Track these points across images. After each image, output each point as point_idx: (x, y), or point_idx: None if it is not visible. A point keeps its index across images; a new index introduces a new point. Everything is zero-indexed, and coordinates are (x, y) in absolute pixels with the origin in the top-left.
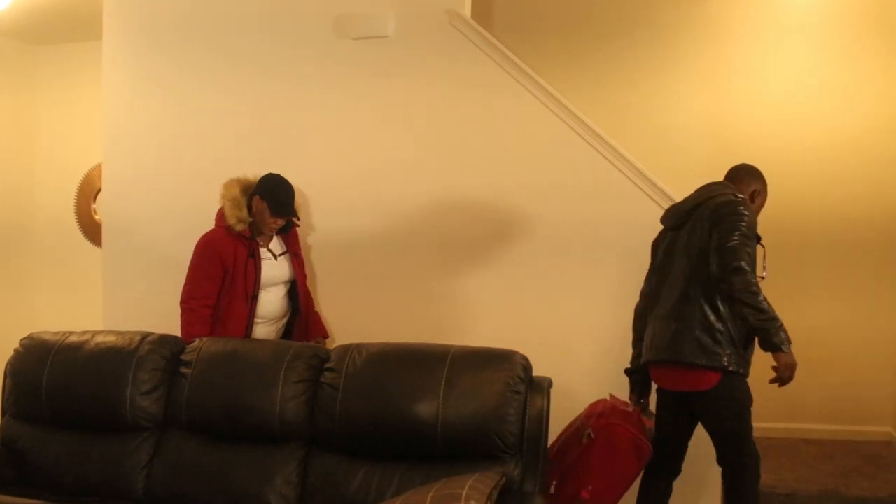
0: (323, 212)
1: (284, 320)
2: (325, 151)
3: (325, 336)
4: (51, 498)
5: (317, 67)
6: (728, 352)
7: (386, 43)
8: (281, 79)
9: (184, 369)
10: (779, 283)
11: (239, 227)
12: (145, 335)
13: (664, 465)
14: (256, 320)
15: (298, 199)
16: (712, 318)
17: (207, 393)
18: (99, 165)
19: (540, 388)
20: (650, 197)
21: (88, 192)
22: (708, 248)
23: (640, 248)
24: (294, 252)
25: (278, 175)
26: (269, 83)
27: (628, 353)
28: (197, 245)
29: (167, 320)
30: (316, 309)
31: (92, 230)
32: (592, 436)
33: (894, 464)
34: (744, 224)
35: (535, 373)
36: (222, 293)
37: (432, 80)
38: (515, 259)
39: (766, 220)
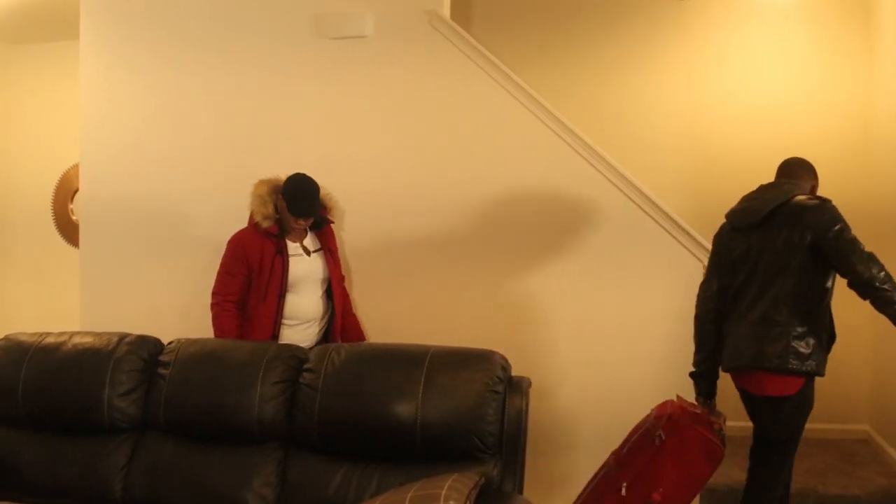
0: None
1: (322, 322)
2: (302, 148)
3: (363, 339)
4: (27, 500)
5: (295, 66)
6: (817, 358)
7: (364, 43)
8: (260, 76)
9: (162, 370)
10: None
11: (265, 224)
12: (123, 336)
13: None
14: (287, 321)
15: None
16: (805, 324)
17: (186, 394)
18: (76, 166)
19: (519, 387)
20: (623, 192)
21: (66, 192)
22: (801, 253)
23: (611, 241)
24: (329, 249)
25: (302, 175)
26: (247, 79)
27: (603, 347)
28: (228, 242)
29: (145, 321)
30: (353, 311)
31: (69, 230)
32: (663, 437)
33: (871, 461)
34: (842, 219)
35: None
36: (250, 292)
37: (411, 80)
38: (494, 255)
39: None
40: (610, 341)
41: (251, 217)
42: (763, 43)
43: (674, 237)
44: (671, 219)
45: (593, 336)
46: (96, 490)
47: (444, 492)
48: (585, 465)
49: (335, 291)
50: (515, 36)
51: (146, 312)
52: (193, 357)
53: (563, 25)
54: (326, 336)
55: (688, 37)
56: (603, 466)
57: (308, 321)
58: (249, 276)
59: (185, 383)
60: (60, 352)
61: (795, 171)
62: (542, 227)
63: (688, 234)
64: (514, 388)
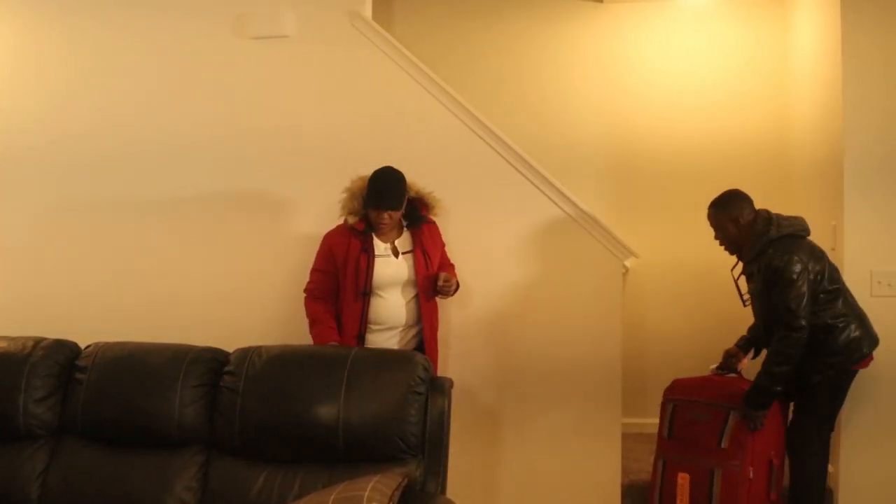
0: (216, 202)
1: (413, 331)
2: (221, 145)
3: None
4: None
5: (214, 64)
6: None
7: (286, 43)
8: (178, 68)
9: (79, 375)
10: None
11: (351, 221)
12: (38, 340)
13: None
14: (372, 325)
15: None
16: None
17: (104, 399)
18: None
19: (441, 388)
20: (541, 191)
21: None
22: None
23: (532, 241)
24: (424, 250)
25: (386, 166)
26: (170, 69)
27: (525, 346)
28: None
29: (60, 324)
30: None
31: None
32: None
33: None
34: None
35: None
36: (340, 290)
37: (333, 80)
38: None
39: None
40: (532, 340)
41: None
42: (682, 38)
43: (596, 238)
44: (593, 219)
45: (515, 336)
46: (13, 498)
47: (366, 493)
48: (507, 463)
49: (421, 299)
50: (437, 36)
51: (61, 315)
52: (112, 361)
53: (485, 26)
54: (419, 345)
55: (606, 33)
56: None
57: (392, 328)
58: (337, 275)
59: (104, 388)
60: None
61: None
62: (461, 225)
63: (610, 234)
64: (436, 388)
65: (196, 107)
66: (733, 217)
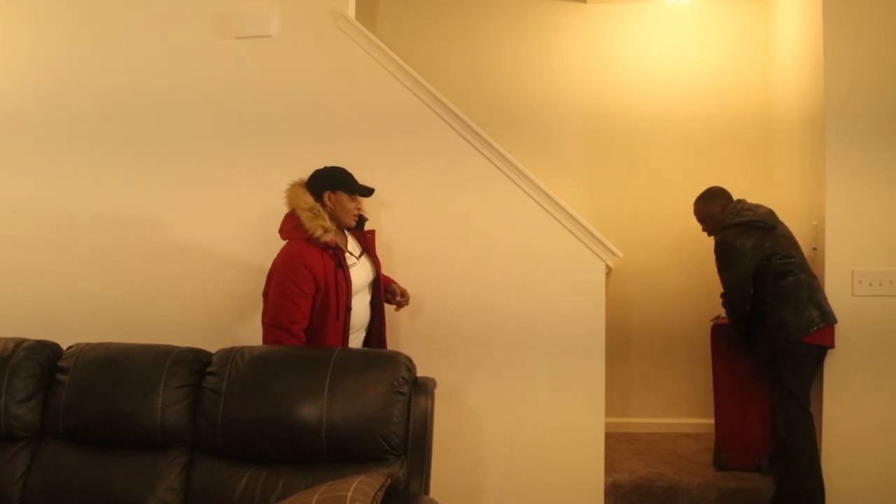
0: (196, 201)
1: (368, 328)
2: (202, 145)
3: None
4: None
5: (196, 63)
6: None
7: (269, 42)
8: (160, 68)
9: (61, 376)
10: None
11: (326, 238)
12: (20, 341)
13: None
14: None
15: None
16: None
17: (86, 400)
18: None
19: (424, 388)
20: (518, 186)
21: None
22: None
23: (516, 241)
24: (371, 250)
25: (329, 166)
26: (147, 69)
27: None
28: (279, 262)
29: (41, 325)
30: None
31: None
32: None
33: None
34: None
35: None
36: (314, 312)
37: (316, 80)
38: (404, 255)
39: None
40: (516, 342)
41: (295, 231)
42: (665, 37)
43: (575, 235)
44: (576, 220)
45: (498, 337)
46: None
47: (350, 493)
48: (491, 464)
49: (381, 292)
50: (420, 37)
51: (44, 316)
52: (94, 362)
53: (468, 26)
54: (369, 340)
55: (590, 33)
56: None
57: (359, 329)
58: (316, 296)
59: (86, 389)
60: None
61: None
62: (443, 225)
63: (589, 232)
64: (419, 388)
65: (178, 107)
66: (721, 204)
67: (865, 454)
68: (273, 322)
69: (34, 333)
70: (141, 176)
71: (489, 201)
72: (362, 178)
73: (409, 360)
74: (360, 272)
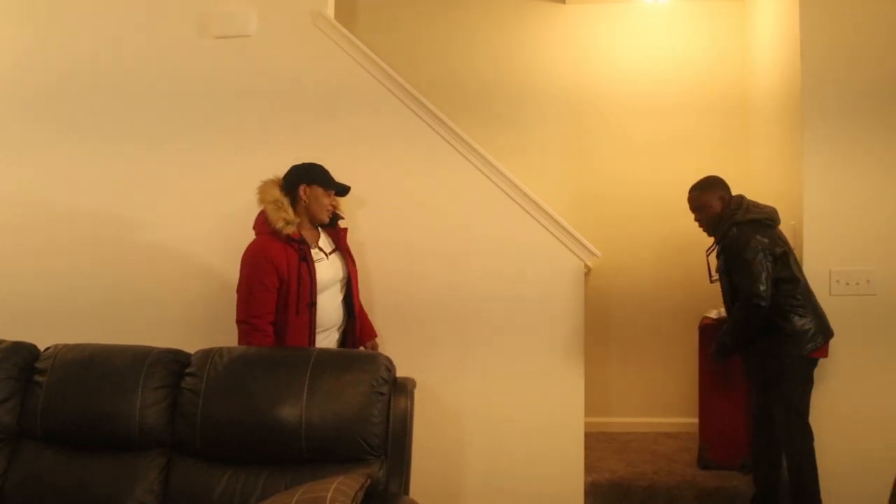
0: (174, 202)
1: (343, 328)
2: (182, 145)
3: (376, 336)
4: None
5: (176, 63)
6: None
7: (248, 42)
8: (139, 68)
9: (38, 377)
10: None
11: (288, 230)
12: None
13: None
14: (316, 331)
15: None
16: None
17: (64, 401)
18: None
19: (403, 388)
20: (499, 187)
21: None
22: None
23: (494, 240)
24: (343, 248)
25: (306, 162)
26: (126, 69)
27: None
28: (244, 257)
29: (18, 325)
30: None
31: None
32: None
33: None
34: None
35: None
36: (278, 306)
37: (295, 80)
38: (384, 258)
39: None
40: (495, 343)
41: (262, 224)
42: (645, 38)
43: (553, 235)
44: (555, 220)
45: (478, 336)
46: None
47: (329, 494)
48: (471, 464)
49: (355, 292)
50: (399, 36)
51: (17, 316)
52: (72, 363)
53: (448, 26)
54: (345, 341)
55: (569, 33)
56: None
57: (329, 328)
58: (280, 290)
59: (63, 390)
60: None
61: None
62: (417, 224)
63: (568, 231)
64: (398, 389)
65: (157, 105)
66: (720, 196)
67: (845, 452)
68: (239, 317)
69: (10, 335)
70: (114, 175)
71: (468, 202)
72: (339, 177)
73: (389, 361)
74: (327, 268)
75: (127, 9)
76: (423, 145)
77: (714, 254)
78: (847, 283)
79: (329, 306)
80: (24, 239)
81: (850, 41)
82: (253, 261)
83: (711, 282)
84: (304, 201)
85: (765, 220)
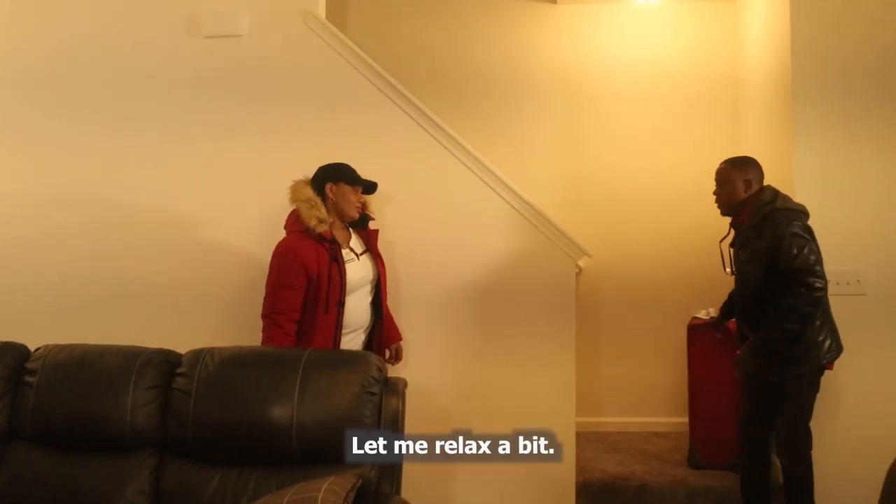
0: (165, 201)
1: (370, 329)
2: (175, 148)
3: (401, 339)
4: None
5: (167, 64)
6: None
7: (239, 42)
8: (130, 67)
9: (28, 378)
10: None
11: (321, 228)
12: None
13: None
14: (343, 330)
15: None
16: None
17: (54, 402)
18: None
19: (395, 388)
20: (491, 188)
21: None
22: None
23: (486, 240)
24: (373, 250)
25: (333, 162)
26: (117, 68)
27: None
28: (275, 254)
29: (8, 326)
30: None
31: None
32: None
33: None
34: None
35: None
36: (306, 304)
37: (286, 80)
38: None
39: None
40: (482, 342)
41: (294, 223)
42: (637, 38)
43: (545, 235)
44: (546, 219)
45: (465, 337)
46: None
47: (321, 494)
48: (462, 463)
49: (383, 294)
50: (390, 36)
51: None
52: (62, 363)
53: (439, 26)
54: (371, 343)
55: (561, 34)
56: None
57: (356, 329)
58: (308, 288)
59: (54, 391)
60: None
61: None
62: (413, 223)
63: (560, 231)
64: (389, 389)
65: (147, 104)
66: (747, 179)
67: (837, 451)
68: (264, 312)
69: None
70: (98, 170)
71: (459, 203)
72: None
73: (380, 361)
74: (357, 269)
75: (117, 7)
76: (416, 145)
77: (729, 244)
78: (838, 283)
79: (357, 308)
80: (11, 238)
81: (841, 34)
82: (283, 258)
83: (728, 272)
84: (332, 199)
85: (801, 210)
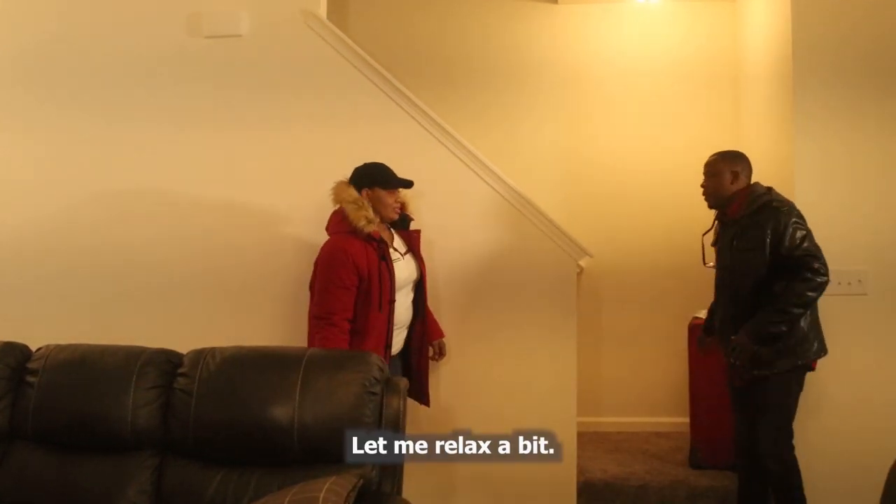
0: (169, 201)
1: (409, 326)
2: (175, 150)
3: (443, 335)
4: None
5: (167, 65)
6: None
7: (240, 42)
8: (132, 68)
9: (30, 378)
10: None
11: (370, 228)
12: None
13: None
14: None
15: None
16: None
17: (55, 402)
18: None
19: (396, 388)
20: (487, 183)
21: None
22: None
23: (487, 239)
24: (415, 250)
25: (367, 163)
26: (119, 69)
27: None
28: (323, 254)
29: (10, 326)
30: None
31: None
32: None
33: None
34: None
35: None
36: (358, 304)
37: (287, 80)
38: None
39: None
40: (482, 342)
41: (339, 224)
42: (637, 38)
43: (546, 234)
44: (547, 218)
45: (466, 337)
46: None
47: (322, 494)
48: (463, 463)
49: (425, 293)
50: (391, 35)
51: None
52: (63, 363)
53: (439, 26)
54: (410, 340)
55: (561, 33)
56: None
57: (401, 327)
58: (360, 288)
59: (55, 391)
60: None
61: None
62: (415, 227)
63: (561, 231)
64: (391, 388)
65: (148, 106)
66: (734, 170)
67: (834, 453)
68: (316, 313)
69: (2, 335)
70: (99, 173)
71: (463, 204)
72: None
73: (381, 361)
74: (404, 268)
75: (117, 8)
76: (418, 146)
77: (711, 242)
78: (839, 283)
79: (402, 306)
80: (13, 238)
81: (842, 27)
82: (332, 259)
83: (710, 266)
84: (370, 203)
85: (794, 206)
